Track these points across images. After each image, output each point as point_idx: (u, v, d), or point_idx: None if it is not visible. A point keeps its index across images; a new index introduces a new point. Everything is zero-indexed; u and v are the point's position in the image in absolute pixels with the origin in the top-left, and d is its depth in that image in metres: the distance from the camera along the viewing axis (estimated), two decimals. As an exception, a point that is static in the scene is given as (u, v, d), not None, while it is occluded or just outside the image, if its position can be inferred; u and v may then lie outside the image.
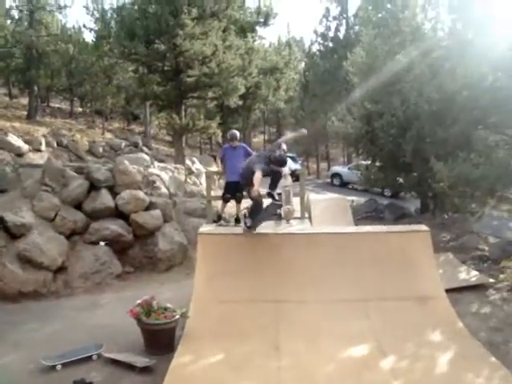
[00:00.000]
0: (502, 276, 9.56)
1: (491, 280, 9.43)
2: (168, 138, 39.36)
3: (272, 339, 6.84)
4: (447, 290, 8.39)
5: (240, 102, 29.42)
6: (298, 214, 10.57)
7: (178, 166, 18.63)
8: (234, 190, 9.74)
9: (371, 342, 6.87)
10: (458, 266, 10.19)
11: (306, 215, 11.24)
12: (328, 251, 8.26)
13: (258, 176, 7.89)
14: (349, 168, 30.62)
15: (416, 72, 14.89)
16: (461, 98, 13.89)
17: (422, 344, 6.83)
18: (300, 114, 40.05)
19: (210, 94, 27.19)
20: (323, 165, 41.28)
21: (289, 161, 10.85)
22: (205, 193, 13.02)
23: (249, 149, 10.29)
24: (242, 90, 27.10)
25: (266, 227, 9.03)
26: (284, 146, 10.55)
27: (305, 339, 6.85)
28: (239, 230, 8.90)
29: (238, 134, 10.25)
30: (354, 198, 19.99)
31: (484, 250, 11.91)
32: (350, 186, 29.39)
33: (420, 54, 15.03)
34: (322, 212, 12.69)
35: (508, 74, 12.74)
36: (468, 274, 9.72)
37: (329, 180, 33.07)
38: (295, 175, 11.48)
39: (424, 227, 8.71)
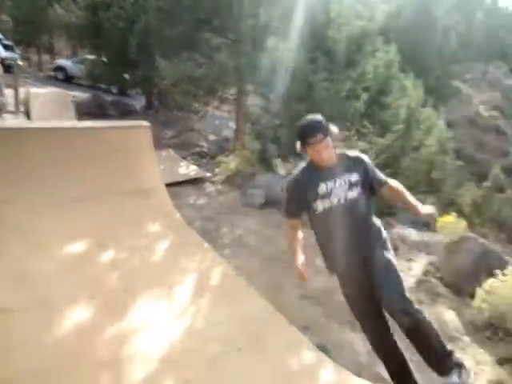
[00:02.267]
0: (217, 170, 10.26)
1: (208, 174, 10.05)
2: None
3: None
4: (168, 184, 8.70)
5: None
6: (12, 107, 9.69)
7: None
8: None
9: (92, 238, 6.77)
10: (178, 161, 10.59)
11: (22, 109, 10.38)
12: (46, 147, 7.74)
13: None
14: (73, 62, 28.91)
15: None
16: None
17: (142, 236, 6.99)
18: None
19: None
20: (46, 57, 38.21)
21: None
22: None
23: None
24: None
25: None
26: None
27: (21, 240, 6.43)
28: None
29: None
30: (78, 93, 19.06)
31: (203, 146, 12.60)
32: (76, 81, 27.91)
33: None
34: (41, 106, 11.82)
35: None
36: (187, 169, 10.19)
37: (52, 73, 30.79)
38: (8, 64, 10.37)
39: (145, 123, 8.69)
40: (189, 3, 13.78)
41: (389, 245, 3.39)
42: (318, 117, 3.37)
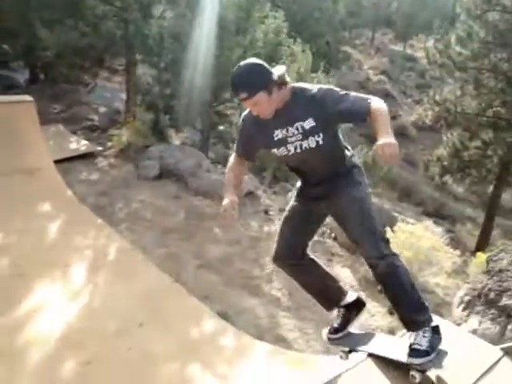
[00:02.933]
0: (109, 144, 9.99)
1: (100, 148, 9.77)
2: None
3: None
4: (57, 161, 8.37)
5: None
6: None
7: None
8: None
9: (-23, 221, 6.43)
10: (68, 136, 10.22)
11: None
12: None
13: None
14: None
15: None
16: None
17: (31, 217, 6.70)
18: None
19: None
20: None
21: None
22: None
23: None
24: None
25: None
26: None
27: None
28: None
29: None
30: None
31: (94, 120, 12.21)
32: None
33: None
34: None
35: None
36: (78, 144, 9.86)
37: None
38: None
39: (28, 97, 8.24)
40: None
41: (360, 179, 3.02)
42: (249, 68, 2.79)
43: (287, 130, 2.87)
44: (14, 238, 6.21)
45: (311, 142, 2.84)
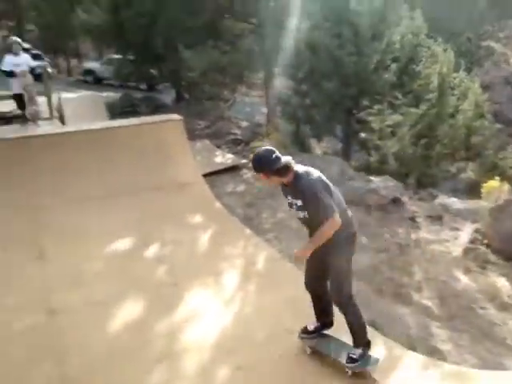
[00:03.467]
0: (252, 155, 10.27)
1: (244, 160, 10.07)
2: None
3: (34, 246, 6.46)
4: (205, 175, 8.78)
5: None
6: (46, 114, 9.90)
7: None
8: None
9: (135, 234, 6.90)
10: (213, 150, 10.66)
11: (56, 115, 10.59)
12: (82, 149, 7.93)
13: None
14: (101, 63, 29.24)
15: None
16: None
17: (183, 228, 7.08)
18: (42, 6, 36.32)
19: None
20: (74, 62, 38.70)
21: (27, 57, 9.99)
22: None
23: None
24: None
25: (11, 131, 8.28)
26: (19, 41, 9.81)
27: (68, 242, 6.59)
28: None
29: None
30: (109, 93, 19.31)
31: (237, 133, 12.64)
32: (105, 82, 28.24)
33: None
34: (74, 111, 12.03)
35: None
36: (224, 158, 10.24)
37: (82, 77, 31.22)
38: (38, 73, 10.56)
39: (176, 116, 8.76)
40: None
41: (340, 249, 4.07)
42: (263, 154, 3.97)
43: (292, 199, 4.03)
44: (168, 249, 6.59)
45: (301, 214, 4.02)
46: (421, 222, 7.88)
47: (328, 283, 4.36)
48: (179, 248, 6.57)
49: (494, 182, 9.76)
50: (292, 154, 10.34)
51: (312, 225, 4.03)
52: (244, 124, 14.18)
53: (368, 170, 10.56)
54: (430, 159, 11.49)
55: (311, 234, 4.11)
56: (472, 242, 7.69)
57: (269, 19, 13.46)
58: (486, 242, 7.71)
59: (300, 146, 11.67)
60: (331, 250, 4.05)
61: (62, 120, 11.04)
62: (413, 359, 4.59)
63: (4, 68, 9.62)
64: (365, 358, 4.24)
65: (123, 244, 6.65)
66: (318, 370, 4.35)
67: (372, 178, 8.80)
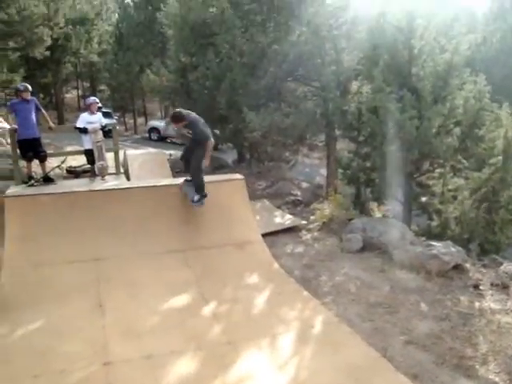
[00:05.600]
0: (312, 217, 10.31)
1: (303, 222, 10.11)
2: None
3: (93, 298, 6.62)
4: (264, 234, 8.85)
5: (47, 54, 26.99)
6: (113, 170, 10.32)
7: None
8: (32, 147, 9.31)
9: (192, 290, 6.99)
10: (273, 210, 10.76)
11: (122, 170, 11.01)
12: (145, 205, 8.18)
13: (211, 144, 8.19)
14: (166, 122, 30.38)
15: (228, 25, 15.06)
16: (271, 50, 14.38)
17: (241, 287, 7.13)
18: (115, 68, 38.43)
19: (12, 45, 24.68)
20: (141, 120, 40.36)
21: (99, 115, 10.52)
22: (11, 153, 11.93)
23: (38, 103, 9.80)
24: (49, 42, 25.25)
25: (80, 185, 8.65)
26: (97, 101, 10.38)
27: (127, 294, 6.75)
28: (51, 189, 8.43)
29: (29, 86, 9.57)
30: (172, 151, 19.96)
31: (297, 194, 12.73)
32: (169, 140, 29.23)
33: (232, 6, 15.20)
34: (139, 167, 12.51)
35: (312, 30, 13.43)
36: (283, 218, 10.30)
37: (147, 135, 32.45)
38: (107, 130, 11.13)
39: (238, 175, 8.96)
40: (275, 56, 14.22)
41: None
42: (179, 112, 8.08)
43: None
44: (225, 307, 6.63)
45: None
46: (485, 290, 7.61)
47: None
48: (236, 307, 6.61)
49: None
50: (352, 216, 10.39)
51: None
52: (304, 185, 14.30)
53: (429, 234, 10.38)
54: (494, 225, 11.18)
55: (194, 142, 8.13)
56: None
57: (331, 82, 13.72)
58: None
59: (360, 209, 11.63)
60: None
61: (127, 175, 11.47)
62: None
63: (79, 125, 10.17)
64: (201, 201, 8.09)
65: (180, 299, 6.75)
66: None
67: (433, 243, 8.61)
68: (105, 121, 10.84)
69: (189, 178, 8.38)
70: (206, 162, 8.17)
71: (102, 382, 4.96)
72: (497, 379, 5.34)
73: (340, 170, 13.09)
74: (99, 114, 10.63)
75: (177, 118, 8.02)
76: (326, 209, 10.57)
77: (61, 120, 34.48)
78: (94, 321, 6.11)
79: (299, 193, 12.93)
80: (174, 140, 27.33)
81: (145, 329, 5.98)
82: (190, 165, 8.30)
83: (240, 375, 5.11)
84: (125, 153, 13.03)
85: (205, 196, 8.16)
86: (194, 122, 8.04)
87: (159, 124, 31.73)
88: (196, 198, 8.12)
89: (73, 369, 5.10)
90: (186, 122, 7.99)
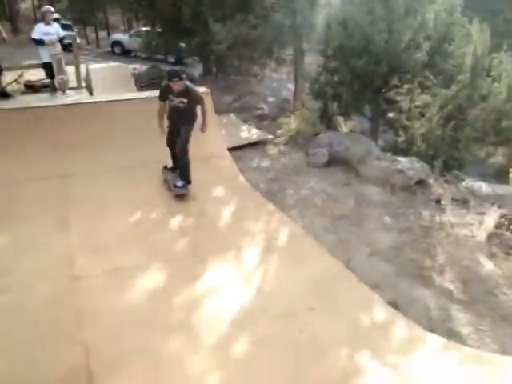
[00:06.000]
0: (279, 132, 10.22)
1: (270, 136, 10.02)
2: None
3: (59, 214, 6.55)
4: (231, 149, 8.79)
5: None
6: (74, 84, 9.94)
7: None
8: None
9: (158, 205, 6.97)
10: (240, 125, 10.63)
11: (84, 85, 10.63)
12: (110, 119, 7.98)
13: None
14: (130, 35, 29.25)
15: None
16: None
17: (207, 201, 7.14)
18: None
19: None
20: (103, 34, 38.71)
21: (56, 26, 10.03)
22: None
23: None
24: None
25: (40, 100, 8.33)
26: (52, 10, 9.88)
27: (93, 210, 6.68)
28: (9, 104, 8.09)
29: None
30: (136, 65, 19.30)
31: (264, 109, 12.55)
32: (133, 54, 28.21)
33: None
34: (102, 81, 12.05)
35: None
36: (249, 133, 10.20)
37: (109, 49, 31.25)
38: (67, 43, 10.63)
39: (204, 89, 8.73)
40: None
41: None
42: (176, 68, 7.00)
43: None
44: (191, 221, 6.64)
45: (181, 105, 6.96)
46: (446, 204, 7.77)
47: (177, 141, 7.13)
48: (203, 220, 6.62)
49: (520, 167, 9.58)
50: (319, 130, 10.34)
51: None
52: (271, 100, 14.06)
53: (395, 150, 10.41)
54: (458, 142, 11.27)
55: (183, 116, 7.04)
56: (497, 227, 7.57)
57: (300, -6, 13.27)
58: (511, 227, 7.59)
59: (327, 123, 11.55)
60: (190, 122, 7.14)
61: (89, 90, 11.10)
62: (432, 341, 4.58)
63: (34, 36, 9.67)
64: (185, 187, 7.14)
65: (148, 214, 6.72)
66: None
67: (399, 158, 8.68)
68: (63, 32, 10.33)
69: (169, 166, 7.53)
70: (203, 128, 7.25)
71: (69, 296, 4.96)
72: (451, 287, 5.54)
73: (307, 85, 12.90)
74: (56, 25, 10.12)
75: (178, 75, 6.83)
76: (292, 123, 10.47)
77: (15, 32, 32.83)
78: (58, 238, 6.05)
79: (266, 107, 12.73)
80: (138, 54, 26.39)
81: (111, 244, 5.95)
82: (174, 148, 7.27)
83: (207, 287, 5.18)
84: (87, 67, 12.53)
85: (189, 182, 7.22)
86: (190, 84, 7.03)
87: (122, 37, 30.50)
88: (180, 183, 7.15)
89: (39, 284, 5.08)
90: (184, 83, 6.82)
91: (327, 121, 11.68)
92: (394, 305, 5.07)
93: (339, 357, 4.30)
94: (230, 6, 14.42)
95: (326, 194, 7.54)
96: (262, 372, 4.10)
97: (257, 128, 10.54)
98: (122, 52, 29.47)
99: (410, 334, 4.68)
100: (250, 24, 13.76)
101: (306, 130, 10.21)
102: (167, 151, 7.44)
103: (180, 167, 7.23)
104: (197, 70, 18.32)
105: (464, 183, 8.96)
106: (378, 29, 10.70)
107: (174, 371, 4.08)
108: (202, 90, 8.84)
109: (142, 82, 15.39)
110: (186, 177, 7.17)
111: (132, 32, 29.51)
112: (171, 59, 22.96)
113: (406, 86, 11.10)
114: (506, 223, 7.67)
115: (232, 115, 11.14)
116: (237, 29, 13.15)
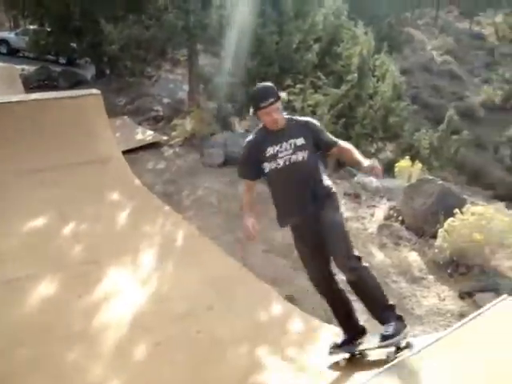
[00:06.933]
0: (174, 133, 10.17)
1: (165, 138, 9.96)
2: None
3: None
4: (125, 152, 8.61)
5: None
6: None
7: None
8: None
9: (53, 211, 6.66)
10: (134, 127, 10.49)
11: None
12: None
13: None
14: (16, 33, 27.82)
15: None
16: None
17: (103, 205, 6.93)
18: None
19: None
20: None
21: None
22: None
23: None
24: None
25: None
26: None
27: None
28: None
29: None
30: (24, 66, 18.45)
31: (158, 110, 12.47)
32: (21, 54, 26.88)
33: None
34: (-14, 82, 11.44)
35: None
36: (144, 135, 10.08)
37: (-6, 48, 29.53)
38: None
39: (95, 91, 8.48)
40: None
41: (338, 204, 3.64)
42: (269, 83, 3.70)
43: (280, 146, 3.53)
44: (86, 226, 6.43)
45: (299, 156, 3.51)
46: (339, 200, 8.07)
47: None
48: (97, 225, 6.43)
49: (406, 162, 10.13)
50: (214, 131, 10.39)
51: (304, 166, 3.54)
52: (166, 101, 13.96)
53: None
54: (349, 139, 11.74)
55: (299, 182, 3.56)
56: (387, 218, 7.98)
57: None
58: (400, 219, 8.03)
59: (222, 124, 11.62)
60: (331, 202, 3.60)
61: (-28, 92, 10.48)
62: (329, 331, 4.72)
63: None
64: (402, 330, 3.41)
65: (40, 221, 6.43)
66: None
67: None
68: None
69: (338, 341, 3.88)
70: (368, 167, 3.46)
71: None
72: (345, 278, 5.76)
73: (202, 86, 12.92)
74: None
75: (273, 93, 3.58)
76: (187, 124, 10.45)
77: None
78: None
79: (161, 109, 12.64)
80: (27, 54, 25.14)
81: (2, 253, 5.65)
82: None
83: (104, 293, 5.05)
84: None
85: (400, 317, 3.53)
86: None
87: (8, 35, 28.90)
88: (392, 327, 3.38)
89: None
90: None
91: (222, 121, 11.75)
92: (291, 299, 5.20)
93: (239, 355, 4.33)
94: (121, 7, 14.13)
95: (222, 193, 7.61)
96: (162, 374, 4.06)
97: (152, 130, 10.43)
98: (8, 51, 27.96)
99: (307, 326, 4.81)
100: (142, 25, 13.54)
101: (201, 130, 10.23)
102: (61, 154, 7.11)
103: (370, 295, 3.54)
104: (89, 72, 17.83)
105: (356, 178, 9.36)
106: (269, 30, 10.91)
107: (75, 381, 3.94)
108: (93, 91, 8.64)
109: (31, 84, 14.75)
110: (389, 306, 3.57)
111: (19, 30, 28.04)
112: (62, 60, 22.10)
113: (298, 86, 11.41)
114: (395, 215, 8.10)
115: (126, 117, 10.97)
116: (129, 29, 12.89)
